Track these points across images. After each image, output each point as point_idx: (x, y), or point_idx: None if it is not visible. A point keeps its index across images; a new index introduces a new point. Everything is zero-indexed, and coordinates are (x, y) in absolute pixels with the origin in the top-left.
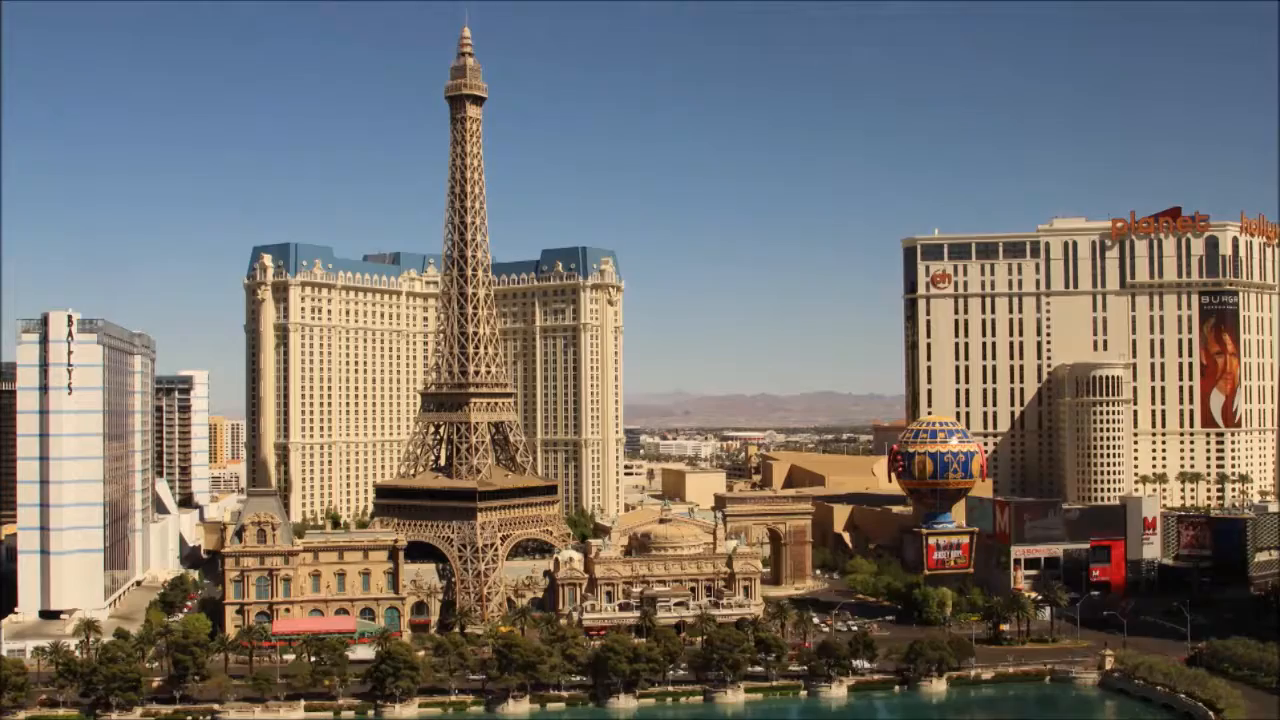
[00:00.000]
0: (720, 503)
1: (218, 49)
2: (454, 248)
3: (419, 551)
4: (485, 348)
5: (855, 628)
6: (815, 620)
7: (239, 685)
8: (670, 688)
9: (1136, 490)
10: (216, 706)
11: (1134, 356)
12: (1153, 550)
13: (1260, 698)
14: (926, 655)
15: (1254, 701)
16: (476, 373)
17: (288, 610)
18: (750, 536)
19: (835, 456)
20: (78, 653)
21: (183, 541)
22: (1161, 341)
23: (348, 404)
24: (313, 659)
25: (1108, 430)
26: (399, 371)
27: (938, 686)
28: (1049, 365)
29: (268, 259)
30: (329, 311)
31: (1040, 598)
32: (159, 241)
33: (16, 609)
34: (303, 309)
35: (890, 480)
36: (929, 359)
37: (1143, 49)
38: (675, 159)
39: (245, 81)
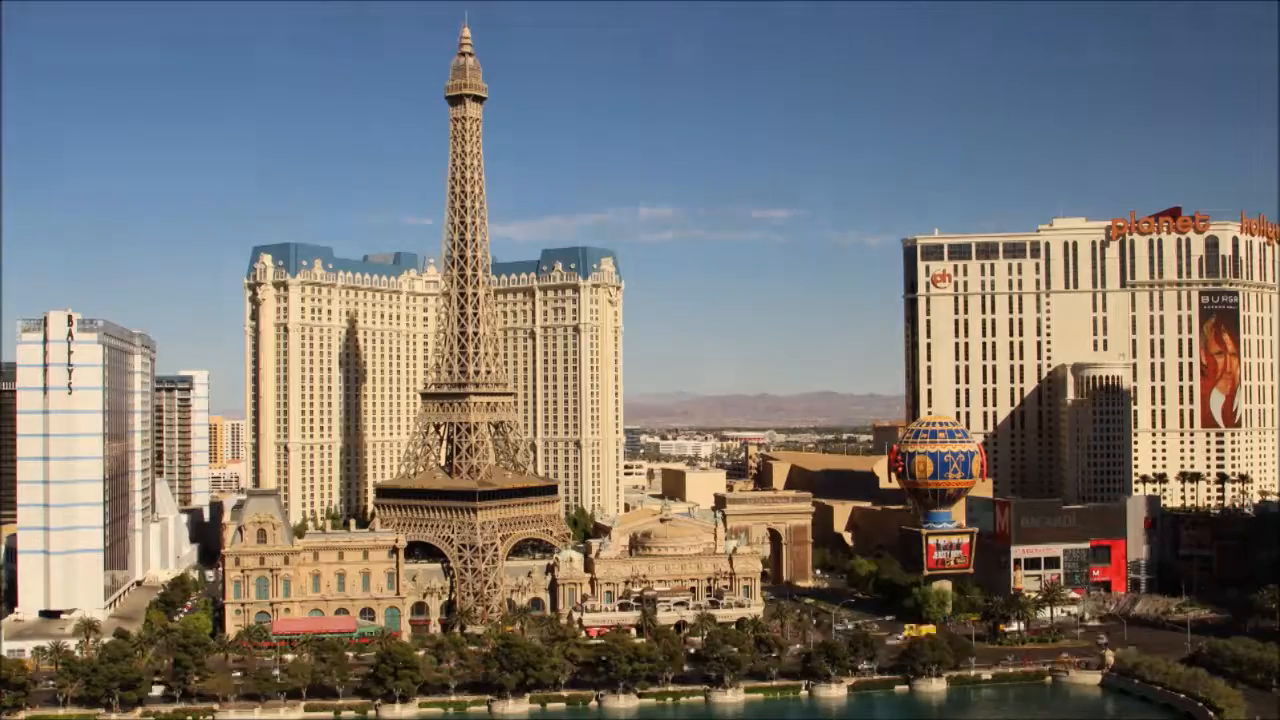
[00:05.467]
0: (720, 503)
1: (217, 48)
2: (454, 248)
3: (419, 551)
4: (485, 347)
5: (854, 626)
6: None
7: (239, 684)
8: (670, 688)
9: (1136, 490)
10: (216, 706)
11: (1134, 356)
12: (1153, 550)
13: (1260, 698)
14: (926, 655)
15: (1254, 701)
16: (476, 372)
17: (288, 610)
18: (750, 536)
19: (835, 456)
20: (78, 652)
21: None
22: (1161, 341)
23: (348, 404)
24: (313, 658)
25: (1108, 430)
26: (399, 371)
27: (937, 686)
28: (1049, 365)
29: (268, 259)
30: (329, 311)
31: (1041, 597)
32: (159, 241)
33: (17, 609)
34: (303, 309)
35: (890, 480)
36: (929, 359)
37: (1143, 49)
38: (677, 158)
39: (245, 81)
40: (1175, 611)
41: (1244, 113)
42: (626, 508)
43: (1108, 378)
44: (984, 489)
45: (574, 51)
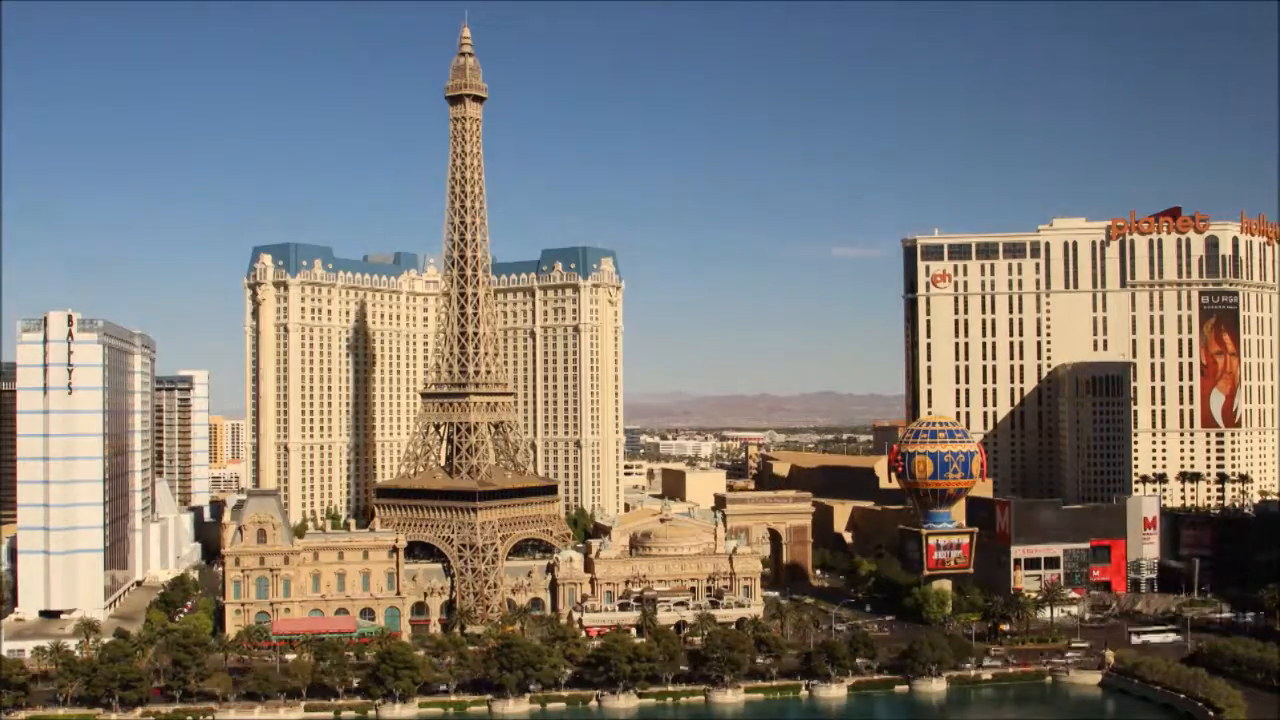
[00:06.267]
0: (720, 503)
1: (218, 48)
2: (454, 247)
3: (419, 551)
4: (485, 347)
5: (854, 627)
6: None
7: (239, 684)
8: (670, 688)
9: (1137, 490)
10: (216, 706)
11: (1134, 356)
12: (1153, 550)
13: (1260, 698)
14: (925, 655)
15: (1254, 701)
16: (476, 372)
17: (288, 610)
18: (750, 536)
19: (835, 456)
20: (78, 652)
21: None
22: (1161, 341)
23: (348, 404)
24: (313, 658)
25: (1108, 430)
26: (399, 371)
27: (937, 686)
28: (1049, 365)
29: (268, 259)
30: (329, 311)
31: (1041, 597)
32: (159, 242)
33: (17, 609)
34: (303, 309)
35: (890, 480)
36: (929, 359)
37: (1143, 49)
38: (676, 158)
39: (245, 81)
40: (1175, 611)
41: (1244, 113)
42: (626, 508)
43: (1107, 378)
44: (984, 489)
45: (574, 51)
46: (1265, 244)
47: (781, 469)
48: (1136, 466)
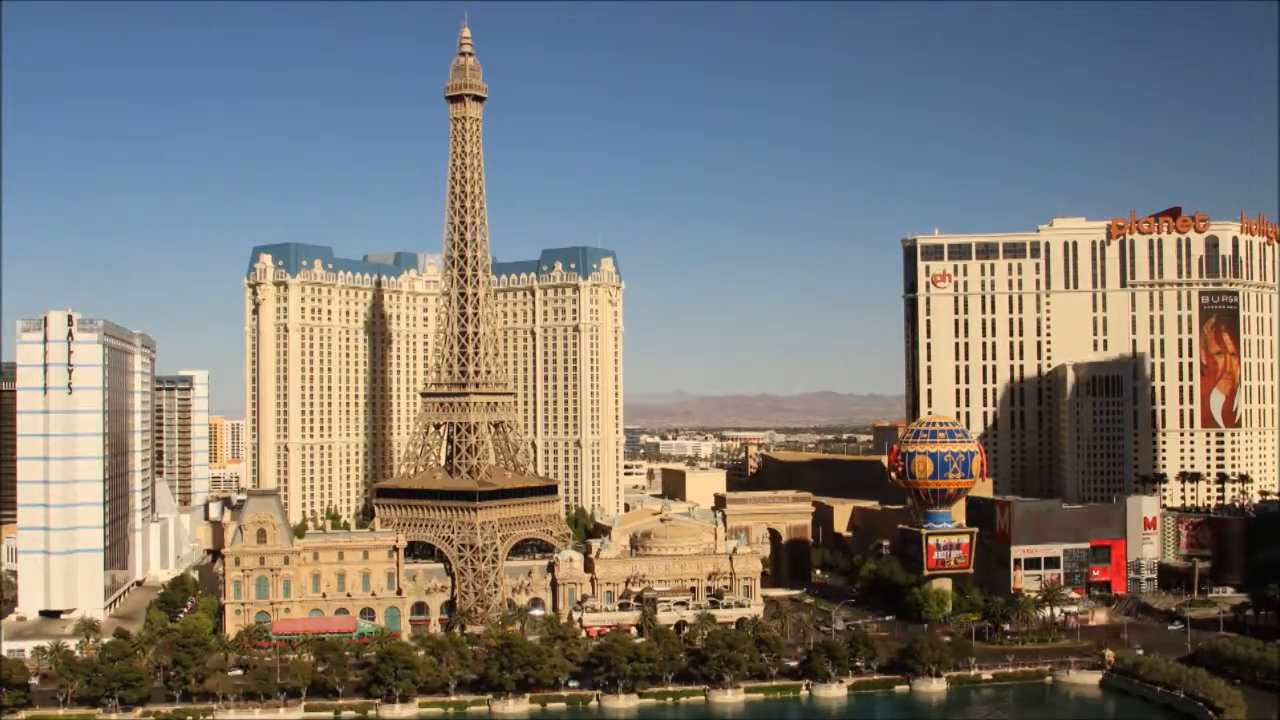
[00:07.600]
0: (720, 503)
1: (218, 48)
2: (454, 247)
3: (419, 551)
4: (485, 347)
5: (854, 626)
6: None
7: (239, 684)
8: (670, 687)
9: (1136, 490)
10: (216, 706)
11: (1134, 356)
12: (1153, 550)
13: (1260, 698)
14: (925, 655)
15: (1254, 701)
16: (476, 372)
17: (288, 610)
18: (750, 536)
19: (836, 456)
20: (78, 652)
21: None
22: (1161, 341)
23: (348, 404)
24: (313, 658)
25: (1108, 430)
26: (399, 371)
27: (937, 686)
28: (1049, 365)
29: (268, 259)
30: (329, 311)
31: (1041, 597)
32: (159, 241)
33: (17, 609)
34: (303, 309)
35: (890, 480)
36: (929, 359)
37: (1143, 49)
38: (676, 158)
39: (245, 81)
40: (1175, 611)
41: (1244, 113)
42: (626, 508)
43: (1107, 378)
44: (984, 489)
45: (573, 51)
46: (1265, 244)
47: (781, 468)
48: (1136, 466)
